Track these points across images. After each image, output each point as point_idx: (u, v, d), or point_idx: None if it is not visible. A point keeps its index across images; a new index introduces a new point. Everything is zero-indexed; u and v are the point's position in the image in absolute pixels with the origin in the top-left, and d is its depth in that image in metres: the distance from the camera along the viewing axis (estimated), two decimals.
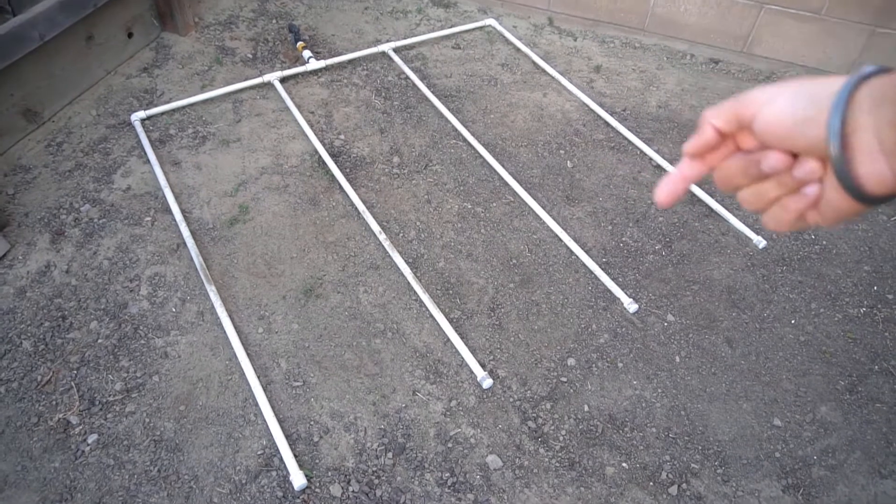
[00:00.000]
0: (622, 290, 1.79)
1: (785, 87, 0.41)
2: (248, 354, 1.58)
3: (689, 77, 2.60)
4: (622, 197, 2.08)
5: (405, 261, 1.81)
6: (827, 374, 1.67)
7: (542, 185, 2.10)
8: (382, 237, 1.87)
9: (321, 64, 2.44)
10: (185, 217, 1.89)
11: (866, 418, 1.59)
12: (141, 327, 1.64)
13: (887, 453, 1.53)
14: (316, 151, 2.13)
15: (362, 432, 1.49)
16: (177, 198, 1.94)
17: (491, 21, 2.78)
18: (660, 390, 1.61)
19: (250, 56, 2.54)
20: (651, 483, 1.45)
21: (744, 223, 2.00)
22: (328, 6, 2.86)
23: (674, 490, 1.44)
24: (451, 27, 2.74)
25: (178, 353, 1.60)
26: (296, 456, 1.42)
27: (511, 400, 1.56)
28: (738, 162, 0.44)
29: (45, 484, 1.37)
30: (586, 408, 1.57)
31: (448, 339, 1.65)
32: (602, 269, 1.83)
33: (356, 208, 1.95)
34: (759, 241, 1.95)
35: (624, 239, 1.96)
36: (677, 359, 1.68)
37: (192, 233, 1.85)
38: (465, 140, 2.22)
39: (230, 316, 1.66)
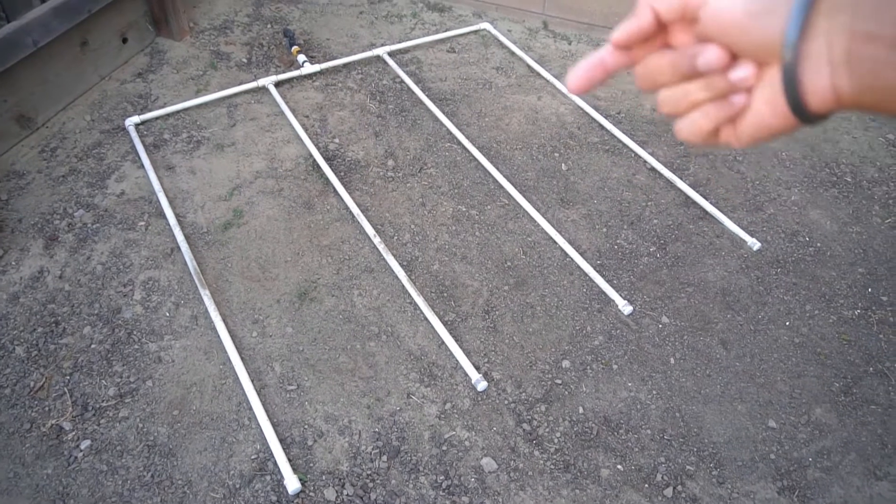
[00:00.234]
0: (617, 292, 1.79)
1: None
2: (242, 358, 1.58)
3: None
4: (617, 199, 2.08)
5: (400, 264, 1.81)
6: (822, 376, 1.67)
7: (536, 188, 2.10)
8: (377, 240, 1.87)
9: (316, 68, 2.44)
10: (179, 221, 1.88)
11: (861, 420, 1.59)
12: (134, 332, 1.64)
13: (882, 455, 1.53)
14: (310, 155, 2.13)
15: (357, 436, 1.48)
16: (171, 202, 1.94)
17: (485, 25, 2.79)
18: (654, 392, 1.61)
19: (245, 60, 2.54)
20: (646, 485, 1.45)
21: (738, 225, 2.00)
22: (323, 11, 2.86)
23: (669, 492, 1.43)
24: (445, 31, 2.75)
25: (172, 358, 1.59)
26: (290, 460, 1.41)
27: (506, 402, 1.56)
28: (668, 56, 0.40)
29: (38, 490, 1.36)
30: (581, 410, 1.56)
31: (442, 342, 1.65)
32: (597, 272, 1.84)
33: (350, 212, 1.95)
34: (754, 244, 1.96)
35: (618, 241, 1.96)
36: (672, 361, 1.68)
37: (187, 237, 1.84)
38: (459, 143, 2.23)
39: (224, 320, 1.65)
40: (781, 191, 2.16)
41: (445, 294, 1.78)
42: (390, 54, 2.57)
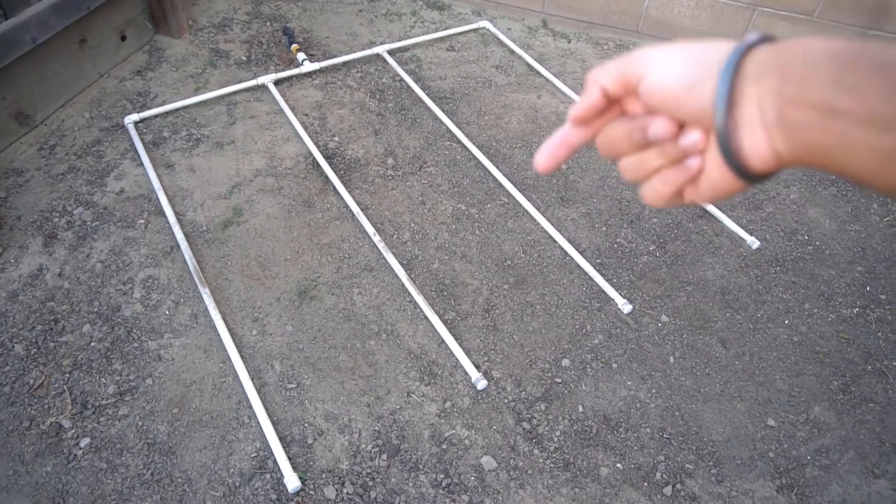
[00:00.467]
0: (616, 290, 1.79)
1: (674, 48, 0.38)
2: (242, 357, 1.58)
3: None
4: (616, 198, 2.08)
5: (399, 262, 1.81)
6: (820, 375, 1.68)
7: (536, 187, 2.10)
8: (377, 239, 1.86)
9: (315, 66, 2.44)
10: (178, 219, 1.88)
11: (859, 418, 1.59)
12: (134, 330, 1.64)
13: (880, 453, 1.53)
14: (310, 153, 2.13)
15: (356, 434, 1.48)
16: (170, 200, 1.94)
17: (485, 23, 2.78)
18: (654, 391, 1.61)
19: (244, 58, 2.54)
20: (645, 483, 1.45)
21: (737, 224, 2.00)
22: (322, 8, 2.86)
23: (668, 490, 1.44)
24: (445, 29, 2.74)
25: (172, 356, 1.59)
26: (290, 458, 1.41)
27: (505, 401, 1.56)
28: (623, 127, 0.41)
29: (37, 488, 1.36)
30: (581, 408, 1.57)
31: (442, 341, 1.65)
32: (596, 270, 1.84)
33: (350, 210, 1.95)
34: (753, 242, 1.96)
35: (618, 240, 1.96)
36: (671, 359, 1.68)
37: (186, 235, 1.84)
38: (459, 142, 2.22)
39: (224, 318, 1.65)
40: (780, 189, 2.17)
41: (445, 293, 1.78)
42: (390, 52, 2.57)
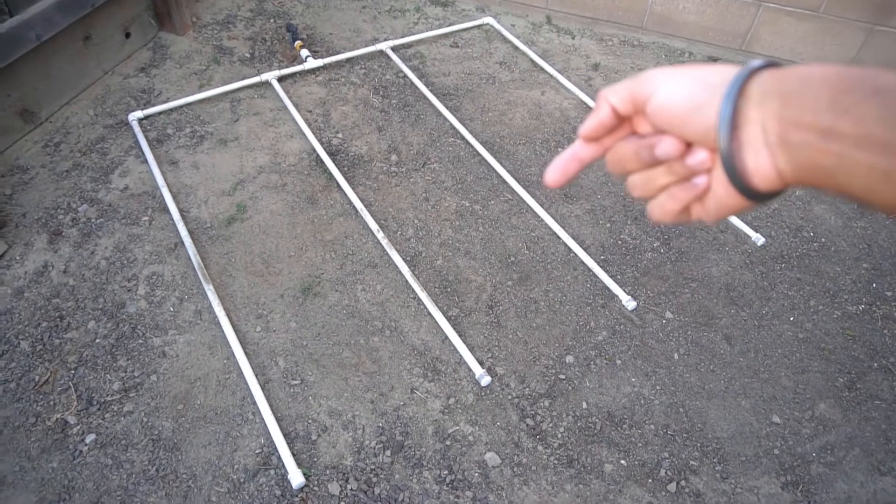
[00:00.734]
0: (620, 287, 1.79)
1: (681, 70, 0.40)
2: (246, 353, 1.58)
3: None
4: (620, 195, 2.08)
5: (403, 259, 1.81)
6: (826, 372, 1.67)
7: (539, 183, 2.09)
8: (380, 235, 1.86)
9: (319, 63, 2.44)
10: (182, 216, 1.88)
11: (865, 415, 1.59)
12: (139, 327, 1.64)
13: (886, 450, 1.53)
14: (314, 150, 2.13)
15: (360, 430, 1.48)
16: (174, 197, 1.94)
17: (489, 19, 2.78)
18: (658, 387, 1.61)
19: (248, 55, 2.54)
20: (650, 480, 1.45)
21: (742, 220, 2.00)
22: (326, 5, 2.85)
23: (672, 487, 1.43)
24: (449, 26, 2.74)
25: (176, 353, 1.60)
26: (294, 454, 1.42)
27: (509, 397, 1.56)
28: (632, 145, 0.43)
29: (43, 484, 1.36)
30: (585, 405, 1.56)
31: (446, 337, 1.65)
32: (600, 267, 1.83)
33: (354, 207, 1.95)
34: (758, 239, 1.95)
35: (622, 236, 1.95)
36: (676, 356, 1.67)
37: (190, 232, 1.84)
38: (463, 138, 2.22)
39: (228, 315, 1.66)
40: None
41: (449, 289, 1.78)
42: (393, 49, 2.56)
